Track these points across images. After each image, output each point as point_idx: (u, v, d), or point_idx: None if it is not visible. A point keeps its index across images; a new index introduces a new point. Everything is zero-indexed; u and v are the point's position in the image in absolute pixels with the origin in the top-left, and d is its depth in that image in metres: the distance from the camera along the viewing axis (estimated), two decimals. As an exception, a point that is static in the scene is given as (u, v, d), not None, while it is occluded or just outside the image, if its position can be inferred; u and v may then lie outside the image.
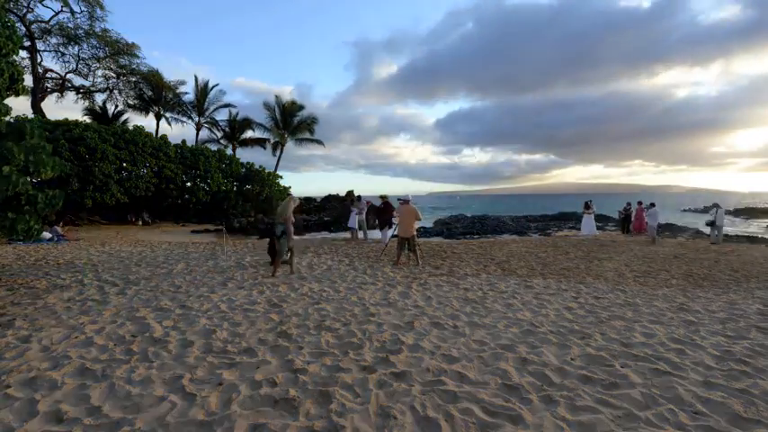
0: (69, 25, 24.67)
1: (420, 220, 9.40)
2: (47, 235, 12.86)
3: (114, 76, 28.15)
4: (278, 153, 33.89)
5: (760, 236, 18.59)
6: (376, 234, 14.47)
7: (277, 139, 33.60)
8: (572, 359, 3.61)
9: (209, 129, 33.33)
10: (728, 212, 36.78)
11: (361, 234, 14.38)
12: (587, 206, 17.69)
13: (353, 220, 14.26)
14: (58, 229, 13.94)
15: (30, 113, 21.38)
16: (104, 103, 29.23)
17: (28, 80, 22.26)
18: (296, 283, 6.72)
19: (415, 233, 9.09)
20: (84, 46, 25.78)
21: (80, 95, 28.14)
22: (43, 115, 22.49)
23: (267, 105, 32.99)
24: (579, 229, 19.14)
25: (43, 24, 24.05)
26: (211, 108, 32.28)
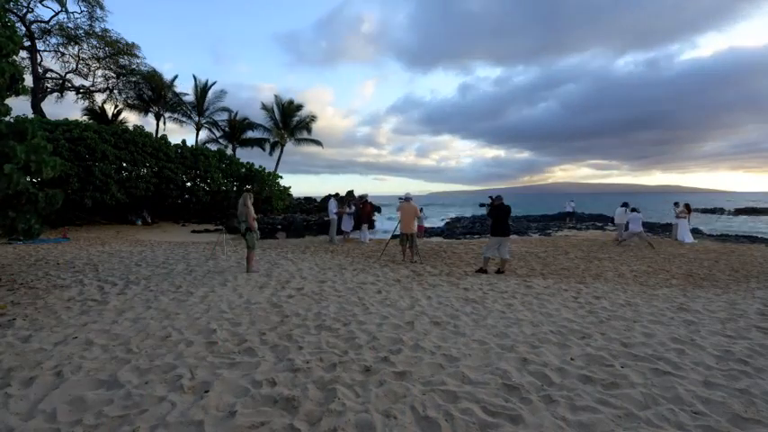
0: (69, 25, 24.69)
1: (419, 217, 9.91)
2: None
3: (114, 76, 28.15)
4: (276, 153, 33.95)
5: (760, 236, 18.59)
6: (356, 234, 14.74)
7: (277, 139, 33.62)
8: (572, 359, 3.62)
9: (209, 129, 33.36)
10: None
11: (356, 235, 14.59)
12: (688, 209, 14.66)
13: (348, 223, 14.42)
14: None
15: (30, 113, 21.39)
16: (104, 103, 29.26)
17: (28, 80, 22.24)
18: (296, 283, 6.73)
19: (415, 230, 9.59)
20: (84, 46, 25.81)
21: (80, 95, 28.13)
22: (43, 115, 22.49)
23: (265, 106, 33.03)
24: (579, 230, 19.04)
25: (43, 24, 24.04)
26: (211, 108, 32.31)
